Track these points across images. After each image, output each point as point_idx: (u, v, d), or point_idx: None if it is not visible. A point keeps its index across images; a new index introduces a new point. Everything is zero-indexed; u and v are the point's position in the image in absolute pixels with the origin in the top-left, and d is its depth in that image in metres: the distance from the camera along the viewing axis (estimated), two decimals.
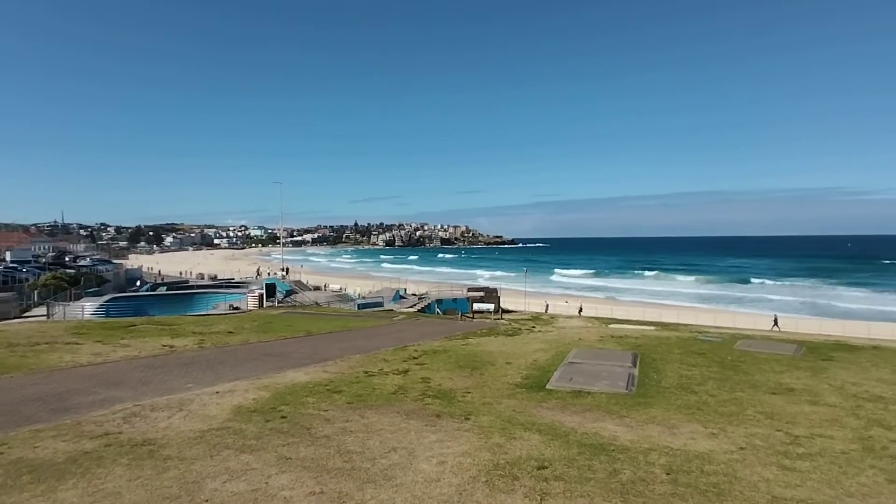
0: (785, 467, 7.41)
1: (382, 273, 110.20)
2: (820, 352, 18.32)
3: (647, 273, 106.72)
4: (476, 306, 42.69)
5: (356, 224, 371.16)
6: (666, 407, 10.79)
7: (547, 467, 7.05)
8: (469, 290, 51.12)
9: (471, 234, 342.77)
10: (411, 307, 43.10)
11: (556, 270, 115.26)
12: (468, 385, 12.58)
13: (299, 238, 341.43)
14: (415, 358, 16.34)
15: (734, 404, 11.02)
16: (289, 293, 46.23)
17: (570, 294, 71.63)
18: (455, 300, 45.92)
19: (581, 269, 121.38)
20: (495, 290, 49.29)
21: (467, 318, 37.33)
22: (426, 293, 50.45)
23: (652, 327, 29.43)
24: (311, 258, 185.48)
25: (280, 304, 39.72)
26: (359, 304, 42.74)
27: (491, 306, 42.99)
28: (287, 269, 61.72)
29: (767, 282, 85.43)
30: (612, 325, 30.51)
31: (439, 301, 44.99)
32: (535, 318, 39.25)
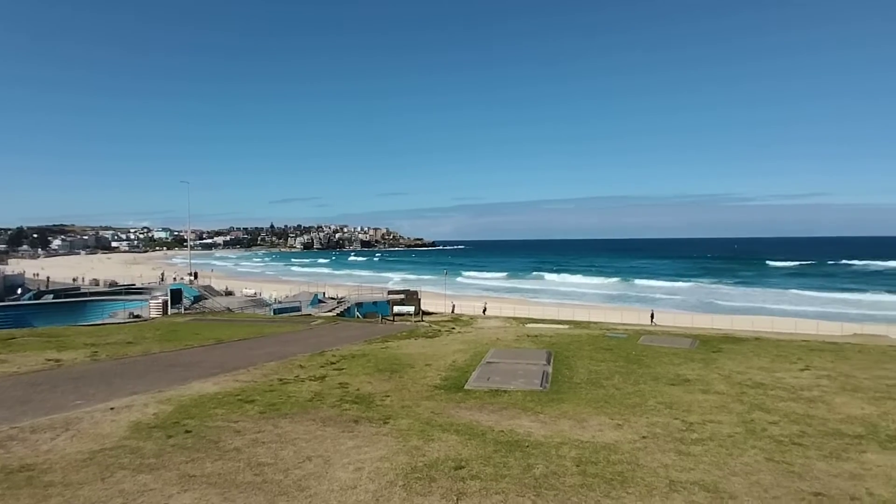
0: (681, 452, 8.00)
1: (300, 276, 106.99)
2: (711, 344, 20.01)
3: (560, 274, 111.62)
4: (396, 309, 42.50)
5: (272, 226, 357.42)
6: (577, 402, 11.30)
7: (464, 467, 7.14)
8: (389, 292, 50.80)
9: (391, 237, 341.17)
10: (330, 311, 42.11)
11: (475, 272, 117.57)
12: (387, 389, 12.47)
13: (209, 241, 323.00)
14: (333, 363, 15.97)
15: (637, 396, 11.76)
16: (198, 299, 43.58)
17: (489, 295, 73.29)
18: (375, 303, 45.43)
19: (499, 270, 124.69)
20: (416, 293, 49.34)
21: (388, 321, 37.07)
22: (345, 297, 49.49)
23: (566, 326, 30.77)
24: (220, 262, 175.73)
25: (187, 311, 37.31)
26: (275, 309, 41.12)
27: (411, 309, 42.96)
28: (196, 273, 58.12)
29: (664, 283, 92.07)
30: (528, 325, 31.56)
31: (359, 304, 44.33)
32: (455, 319, 39.74)
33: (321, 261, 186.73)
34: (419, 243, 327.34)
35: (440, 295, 59.12)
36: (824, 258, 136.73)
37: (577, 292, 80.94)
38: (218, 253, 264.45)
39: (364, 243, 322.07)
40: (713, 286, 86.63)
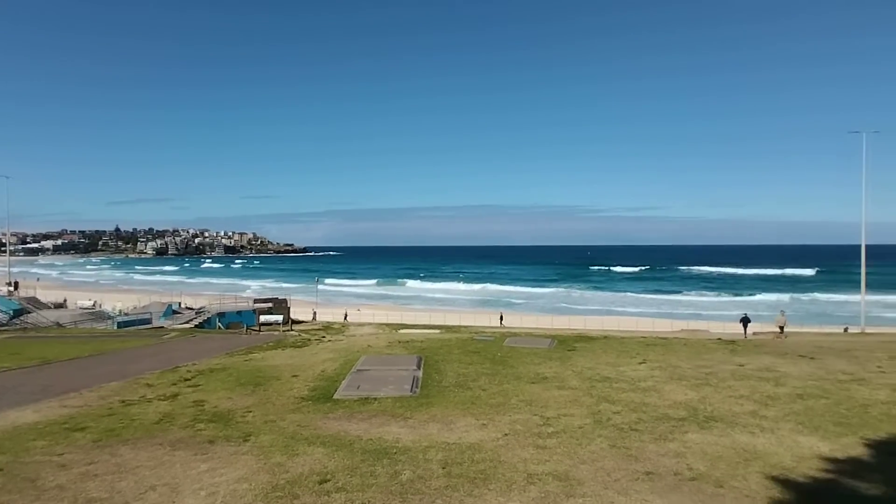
0: (539, 446, 8.55)
1: (148, 285, 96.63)
2: (567, 343, 21.76)
3: (432, 281, 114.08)
4: (263, 318, 40.21)
5: (118, 230, 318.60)
6: (445, 404, 11.57)
7: (329, 480, 6.93)
8: (256, 301, 47.87)
9: (259, 242, 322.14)
10: (187, 323, 38.59)
11: (347, 279, 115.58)
12: (249, 404, 11.71)
13: (36, 245, 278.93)
14: (187, 380, 14.63)
15: (502, 396, 12.37)
16: (18, 313, 37.34)
17: (361, 302, 72.49)
18: (240, 313, 42.52)
19: (372, 277, 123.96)
20: (285, 301, 47.10)
21: (253, 332, 34.92)
22: (205, 307, 45.67)
23: (437, 331, 31.45)
24: (44, 269, 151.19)
25: (4, 329, 31.78)
26: (119, 323, 36.65)
27: (280, 317, 40.95)
28: (15, 283, 49.77)
29: (527, 288, 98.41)
30: (401, 331, 31.73)
31: (221, 314, 41.18)
32: (326, 327, 38.67)
33: (168, 268, 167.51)
34: (289, 249, 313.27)
35: (311, 303, 57.15)
36: (659, 264, 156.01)
37: (448, 298, 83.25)
38: (43, 259, 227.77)
39: (228, 249, 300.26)
40: (570, 290, 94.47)
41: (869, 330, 32.68)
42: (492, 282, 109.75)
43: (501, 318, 45.88)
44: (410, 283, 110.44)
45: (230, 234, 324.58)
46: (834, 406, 10.75)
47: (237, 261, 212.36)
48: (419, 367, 15.99)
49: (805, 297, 76.66)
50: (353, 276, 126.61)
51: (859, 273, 35.82)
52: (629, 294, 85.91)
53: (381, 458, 7.83)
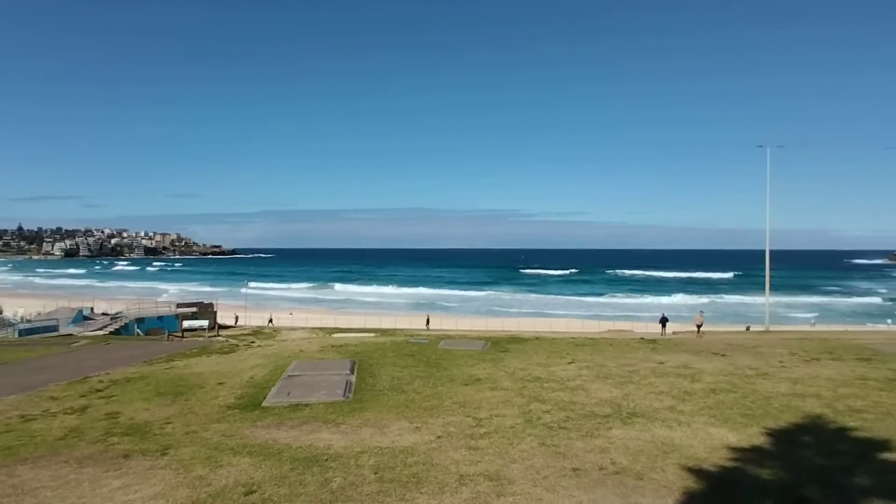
0: (471, 447, 8.64)
1: (57, 289, 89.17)
2: (500, 345, 22.16)
3: (367, 284, 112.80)
4: (187, 324, 38.19)
5: (21, 228, 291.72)
6: (379, 409, 11.45)
7: (255, 491, 6.67)
8: (179, 305, 45.32)
9: (183, 244, 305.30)
10: (100, 329, 35.94)
11: (279, 283, 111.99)
12: (169, 414, 11.06)
13: None
14: (99, 391, 13.62)
15: (436, 398, 12.40)
16: None
17: (294, 306, 70.52)
18: (161, 318, 40.14)
19: (306, 280, 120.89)
20: (211, 305, 44.96)
21: (175, 338, 33.07)
22: (121, 312, 42.74)
23: (372, 334, 31.10)
24: None
25: None
26: (21, 330, 33.56)
27: (205, 322, 39.05)
28: None
29: (462, 291, 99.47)
30: (335, 335, 31.11)
31: (140, 320, 38.70)
32: (257, 332, 37.30)
33: (75, 270, 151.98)
34: (217, 251, 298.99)
35: (240, 307, 54.86)
36: (587, 267, 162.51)
37: (383, 301, 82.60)
38: None
39: (149, 250, 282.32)
40: (503, 293, 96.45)
41: (773, 328, 35.61)
42: (427, 285, 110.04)
43: (428, 320, 45.95)
44: (344, 286, 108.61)
45: (151, 234, 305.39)
46: (741, 399, 11.59)
47: (156, 263, 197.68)
48: (352, 372, 15.74)
49: (721, 298, 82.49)
50: (284, 279, 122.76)
51: (777, 276, 38.93)
52: (560, 296, 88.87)
53: (312, 466, 7.63)
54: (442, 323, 46.58)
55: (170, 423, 10.37)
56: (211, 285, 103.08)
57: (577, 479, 7.12)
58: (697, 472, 7.33)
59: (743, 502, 6.30)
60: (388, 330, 36.38)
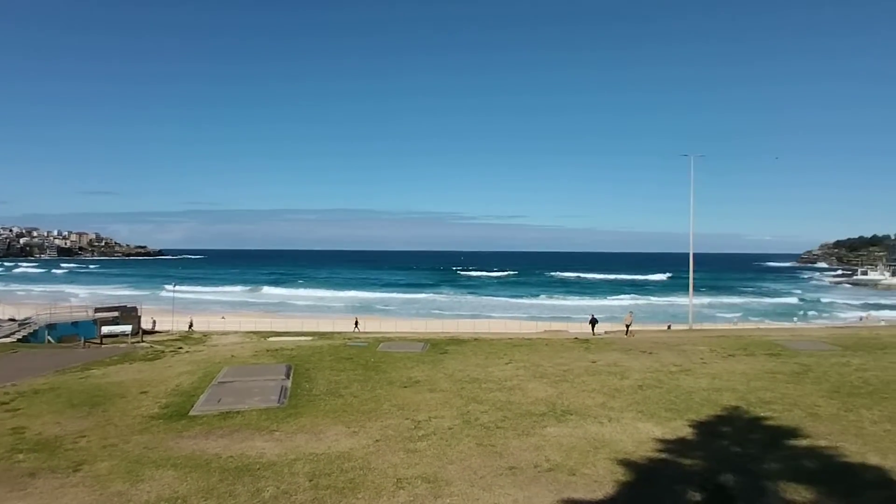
0: (409, 450, 8.60)
1: None
2: (439, 347, 22.24)
3: (304, 287, 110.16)
4: (106, 329, 35.70)
5: None
6: (315, 414, 11.18)
7: None
8: (97, 310, 42.24)
9: (103, 244, 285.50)
10: (6, 337, 32.91)
11: (211, 285, 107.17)
12: (83, 427, 10.29)
13: None
14: (3, 403, 12.47)
15: (374, 401, 12.26)
16: None
17: (226, 310, 67.79)
18: (76, 323, 37.32)
19: (239, 282, 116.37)
20: (134, 309, 42.27)
21: (93, 345, 30.85)
22: (30, 317, 39.37)
23: (309, 337, 30.34)
24: None
25: None
26: None
27: (128, 328, 36.65)
28: None
29: (399, 294, 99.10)
30: (270, 339, 30.10)
31: (52, 326, 35.80)
32: (185, 337, 35.46)
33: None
34: (141, 252, 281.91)
35: (167, 311, 51.98)
36: (525, 269, 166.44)
37: (320, 304, 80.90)
38: None
39: (63, 251, 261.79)
40: (443, 295, 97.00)
41: (695, 327, 37.85)
42: (366, 287, 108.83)
43: (356, 323, 45.35)
44: (280, 289, 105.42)
45: (66, 233, 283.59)
46: (666, 394, 12.23)
47: (66, 265, 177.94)
48: (288, 377, 15.28)
49: (649, 300, 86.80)
50: (215, 281, 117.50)
51: (700, 278, 41.45)
52: (498, 298, 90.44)
53: (242, 476, 7.34)
54: (381, 325, 46.17)
55: (84, 436, 9.65)
56: (133, 288, 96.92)
57: (513, 478, 7.25)
58: (626, 465, 7.66)
59: (666, 491, 6.64)
60: (326, 333, 35.64)
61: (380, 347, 22.03)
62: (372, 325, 45.75)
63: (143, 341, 32.53)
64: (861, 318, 61.29)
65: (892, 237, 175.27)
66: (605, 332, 32.84)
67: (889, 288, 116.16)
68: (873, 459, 7.60)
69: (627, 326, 31.73)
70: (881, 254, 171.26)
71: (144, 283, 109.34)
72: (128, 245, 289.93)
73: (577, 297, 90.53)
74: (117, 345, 30.04)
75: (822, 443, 8.43)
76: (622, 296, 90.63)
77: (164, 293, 72.31)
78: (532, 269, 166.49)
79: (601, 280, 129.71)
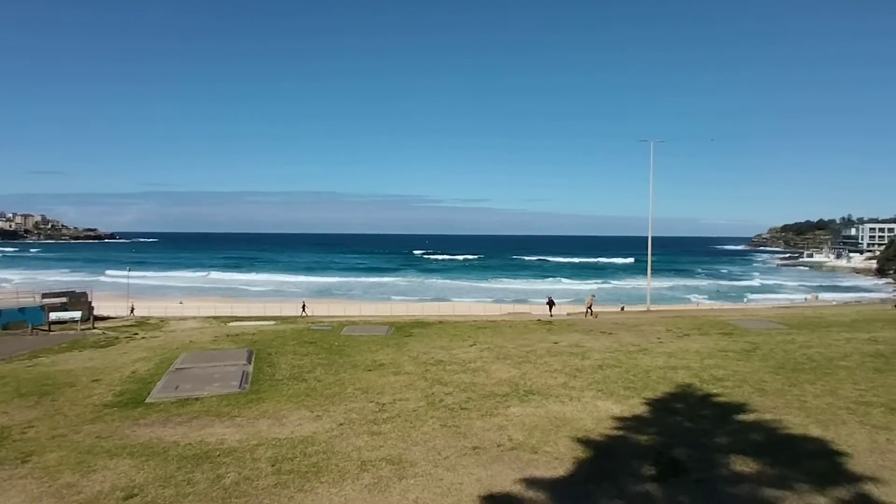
0: (373, 433, 8.60)
1: None
2: (404, 330, 22.25)
3: (265, 269, 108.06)
4: (55, 315, 34.18)
5: None
6: (278, 399, 11.04)
7: (136, 495, 6.16)
8: (45, 295, 40.36)
9: (50, 226, 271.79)
10: None
11: (168, 271, 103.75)
12: (32, 417, 9.87)
13: None
14: None
15: (338, 385, 12.18)
16: None
17: (184, 296, 65.88)
18: (22, 309, 35.55)
19: (197, 266, 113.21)
20: (84, 294, 40.56)
21: (41, 332, 29.54)
22: None
23: (271, 322, 29.85)
24: None
25: None
26: None
27: (78, 314, 35.17)
28: None
29: (364, 278, 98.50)
30: (231, 324, 29.47)
31: None
32: (141, 323, 34.35)
33: None
34: (92, 235, 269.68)
35: (122, 296, 50.12)
36: (490, 253, 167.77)
37: (284, 289, 79.59)
38: None
39: (6, 234, 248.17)
40: (409, 278, 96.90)
41: (653, 308, 39.07)
42: (330, 270, 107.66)
43: (304, 306, 44.45)
44: (241, 273, 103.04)
45: (10, 215, 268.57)
46: (624, 373, 12.60)
47: (4, 248, 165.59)
48: (249, 362, 15.02)
49: (609, 283, 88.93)
50: (172, 265, 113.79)
51: (662, 261, 42.67)
52: (463, 281, 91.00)
53: (202, 463, 7.19)
54: (345, 309, 45.82)
55: (32, 426, 9.26)
56: (80, 273, 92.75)
57: (477, 457, 7.35)
58: (585, 443, 7.87)
59: (623, 466, 6.86)
60: (289, 318, 35.15)
61: (344, 331, 21.88)
62: (336, 309, 45.36)
63: (94, 328, 31.35)
64: (806, 299, 64.64)
65: (837, 221, 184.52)
66: (568, 314, 33.53)
67: (833, 270, 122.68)
68: (814, 431, 8.05)
69: (589, 308, 32.49)
70: (826, 237, 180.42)
71: (88, 267, 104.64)
72: (76, 228, 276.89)
73: (541, 280, 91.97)
74: (66, 332, 28.85)
75: (768, 416, 8.86)
76: (586, 279, 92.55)
77: (107, 278, 69.38)
78: (496, 253, 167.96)
79: (565, 263, 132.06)
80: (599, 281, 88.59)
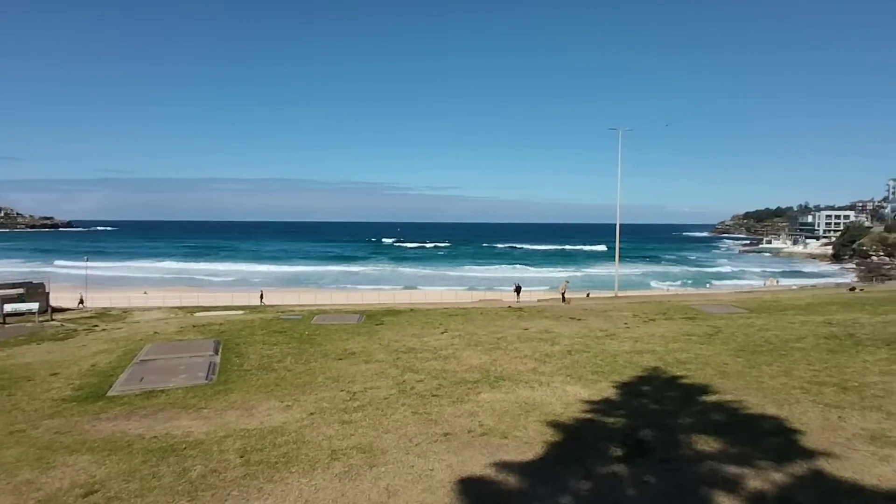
0: (344, 421, 8.56)
1: None
2: (375, 318, 22.17)
3: (233, 258, 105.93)
4: (10, 308, 32.81)
5: None
6: (246, 389, 10.87)
7: (97, 491, 5.99)
8: (0, 286, 38.70)
9: (2, 214, 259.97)
10: None
11: (132, 260, 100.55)
12: None
13: None
14: None
15: (308, 375, 12.08)
16: None
17: (149, 286, 64.09)
18: None
19: (161, 255, 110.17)
20: (42, 285, 38.99)
21: None
22: None
23: (240, 312, 29.31)
24: None
25: None
26: None
27: (35, 305, 33.85)
28: None
29: (335, 266, 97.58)
30: (197, 314, 28.80)
31: None
32: (102, 314, 33.24)
33: None
34: (47, 223, 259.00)
35: (80, 287, 48.38)
36: (461, 240, 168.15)
37: (252, 278, 78.20)
38: None
39: None
40: (380, 266, 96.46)
41: (621, 294, 39.91)
42: (299, 258, 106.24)
43: (262, 296, 43.78)
44: (207, 262, 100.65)
45: None
46: (593, 358, 12.86)
47: None
48: (217, 352, 14.74)
49: (587, 268, 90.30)
50: (132, 255, 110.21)
51: (633, 248, 43.56)
52: (435, 269, 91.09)
53: (167, 457, 7.04)
54: (316, 298, 45.32)
55: None
56: (35, 262, 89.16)
57: (448, 444, 7.40)
58: (555, 426, 8.01)
59: (591, 448, 7.02)
60: (258, 307, 34.57)
61: (314, 320, 21.68)
62: (307, 298, 44.83)
63: (52, 319, 30.23)
64: (765, 283, 67.05)
65: (794, 209, 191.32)
66: (538, 301, 33.95)
67: (790, 255, 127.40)
68: (771, 410, 8.38)
69: (563, 294, 32.96)
70: (784, 224, 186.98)
71: (44, 257, 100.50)
72: (32, 216, 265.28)
73: (511, 268, 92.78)
74: (23, 324, 27.73)
75: (729, 397, 9.18)
76: (556, 266, 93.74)
77: (63, 269, 66.78)
78: (467, 240, 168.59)
79: (536, 250, 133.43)
80: (571, 269, 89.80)
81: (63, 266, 78.58)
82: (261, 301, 40.93)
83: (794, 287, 53.09)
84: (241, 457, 7.01)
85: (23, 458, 7.16)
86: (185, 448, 7.39)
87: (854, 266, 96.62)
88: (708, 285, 65.72)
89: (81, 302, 39.70)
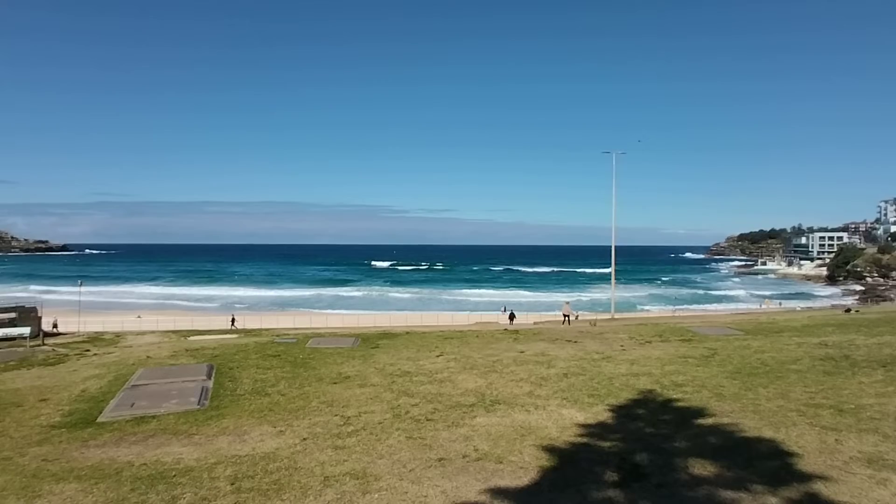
0: (337, 447, 8.45)
1: None
2: (371, 341, 22.04)
3: (227, 282, 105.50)
4: (2, 332, 32.48)
5: None
6: (239, 414, 10.74)
7: None
8: None
9: None
10: None
11: (126, 285, 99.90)
12: None
13: None
14: None
15: (302, 399, 11.95)
16: None
17: (145, 310, 63.68)
18: None
19: (156, 279, 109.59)
20: (34, 310, 38.63)
21: None
22: None
23: (234, 335, 29.09)
24: None
25: None
26: None
27: (27, 330, 33.51)
28: None
29: (330, 289, 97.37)
30: (191, 338, 28.57)
31: None
32: (94, 338, 32.92)
33: None
34: (42, 247, 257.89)
35: (74, 311, 47.97)
36: (456, 262, 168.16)
37: (246, 302, 77.79)
38: None
39: None
40: (376, 288, 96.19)
41: (617, 316, 39.85)
42: (294, 282, 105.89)
43: (233, 320, 42.89)
44: (202, 286, 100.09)
45: None
46: (589, 381, 12.79)
47: None
48: (210, 377, 14.59)
49: (582, 291, 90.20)
50: (128, 278, 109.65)
51: (632, 270, 43.70)
52: (431, 291, 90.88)
53: (157, 484, 6.91)
54: (311, 321, 45.06)
55: None
56: (31, 286, 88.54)
57: (442, 469, 7.30)
58: (550, 451, 7.93)
59: (586, 473, 6.94)
60: (253, 330, 34.31)
61: (309, 343, 21.53)
62: (302, 321, 44.57)
63: (43, 344, 29.89)
64: (761, 305, 67.12)
65: (788, 230, 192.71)
66: (535, 323, 33.86)
67: (785, 276, 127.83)
68: (767, 433, 8.33)
69: (566, 316, 32.94)
70: (778, 246, 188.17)
71: (38, 281, 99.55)
72: (26, 240, 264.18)
73: (508, 289, 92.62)
74: (14, 349, 27.40)
75: (725, 420, 9.12)
76: (556, 289, 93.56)
77: (56, 296, 66.26)
78: (464, 263, 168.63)
79: (531, 273, 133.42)
80: (566, 290, 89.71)
81: (63, 290, 77.81)
82: (232, 324, 40.23)
83: (799, 308, 53.22)
84: (232, 484, 6.90)
85: (8, 486, 7.02)
86: (174, 475, 7.27)
87: (849, 287, 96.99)
88: (703, 307, 65.74)
89: (55, 326, 38.27)
